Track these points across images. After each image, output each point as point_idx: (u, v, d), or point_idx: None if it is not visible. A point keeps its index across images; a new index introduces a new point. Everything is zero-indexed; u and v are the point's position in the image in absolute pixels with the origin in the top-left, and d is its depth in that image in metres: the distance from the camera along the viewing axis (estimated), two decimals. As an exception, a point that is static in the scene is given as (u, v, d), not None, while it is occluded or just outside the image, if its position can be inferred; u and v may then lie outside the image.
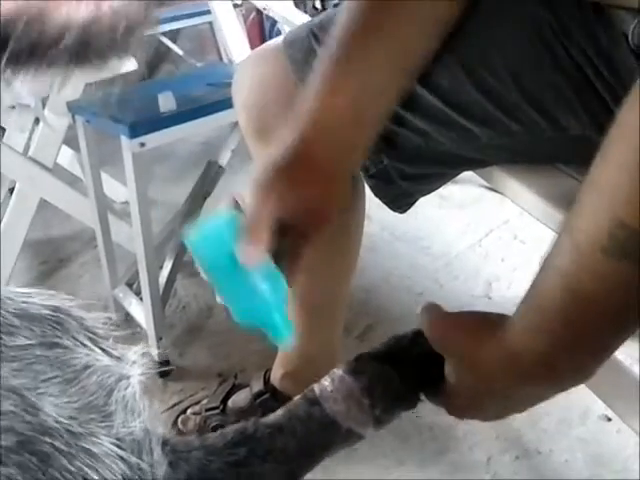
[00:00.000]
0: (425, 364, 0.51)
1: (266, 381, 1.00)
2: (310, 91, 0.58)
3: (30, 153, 1.35)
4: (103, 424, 0.31)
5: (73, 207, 1.36)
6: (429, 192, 0.77)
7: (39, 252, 1.52)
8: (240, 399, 1.02)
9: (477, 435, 1.02)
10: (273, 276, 0.51)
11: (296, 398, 0.51)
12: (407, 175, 0.72)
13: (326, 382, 0.50)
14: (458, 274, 1.36)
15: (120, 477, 0.30)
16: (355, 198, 0.89)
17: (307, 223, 0.57)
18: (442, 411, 1.04)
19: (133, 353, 0.36)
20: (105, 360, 0.34)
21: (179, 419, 1.03)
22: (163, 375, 1.15)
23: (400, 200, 0.75)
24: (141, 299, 1.18)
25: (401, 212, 0.76)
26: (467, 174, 0.80)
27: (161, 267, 1.25)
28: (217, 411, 1.02)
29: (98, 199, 1.23)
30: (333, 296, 0.94)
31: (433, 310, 0.52)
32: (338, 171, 0.58)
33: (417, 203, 0.77)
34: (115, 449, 0.30)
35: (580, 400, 1.06)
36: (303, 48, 0.70)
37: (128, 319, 1.26)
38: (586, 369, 0.46)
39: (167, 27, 2.00)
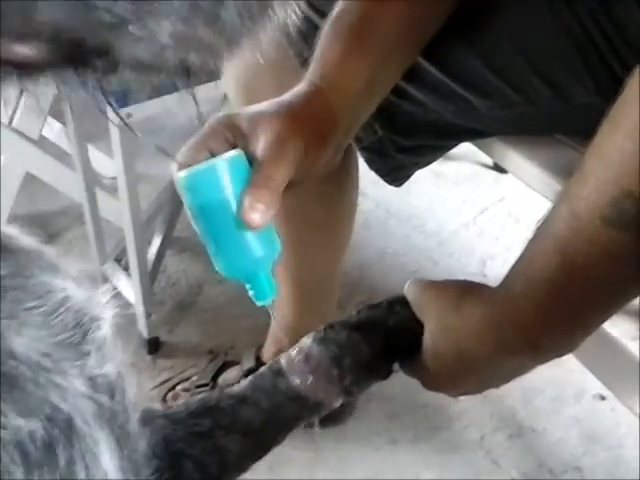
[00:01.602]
0: (400, 334, 0.50)
1: (257, 358, 0.98)
2: (324, 51, 0.54)
3: (14, 124, 1.31)
4: (77, 363, 0.30)
5: (60, 181, 1.33)
6: (425, 165, 0.74)
7: (26, 228, 1.49)
8: (231, 376, 1.00)
9: (471, 413, 1.01)
10: (268, 234, 0.48)
11: (262, 368, 0.49)
12: (402, 147, 0.69)
13: (293, 352, 0.49)
14: (453, 252, 1.35)
15: (90, 416, 0.29)
16: (348, 172, 0.87)
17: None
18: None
19: (102, 294, 0.34)
20: (80, 296, 0.32)
21: (168, 395, 1.01)
22: (152, 351, 1.13)
23: (395, 173, 0.73)
24: (130, 275, 1.16)
25: (397, 185, 0.74)
26: (462, 151, 0.78)
27: (150, 243, 1.22)
28: (207, 388, 1.00)
29: (85, 173, 1.20)
30: (326, 272, 0.92)
31: (419, 280, 0.51)
32: (340, 133, 0.54)
33: (411, 180, 0.75)
34: (86, 389, 0.29)
35: (575, 379, 1.05)
36: (299, 18, 0.67)
37: (117, 295, 1.24)
38: (569, 342, 0.45)
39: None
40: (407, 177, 0.74)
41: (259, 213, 0.45)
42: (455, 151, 0.76)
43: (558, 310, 0.43)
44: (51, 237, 1.47)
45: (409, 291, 0.51)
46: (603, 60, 0.56)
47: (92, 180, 1.23)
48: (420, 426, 0.99)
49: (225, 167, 0.46)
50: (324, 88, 0.52)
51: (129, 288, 1.17)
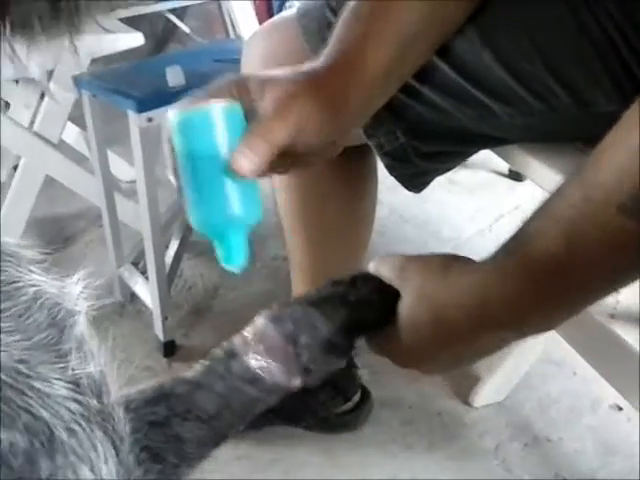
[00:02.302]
0: (361, 310, 0.47)
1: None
2: (344, 34, 0.54)
3: (35, 128, 1.33)
4: (57, 366, 0.28)
5: (79, 185, 1.35)
6: (445, 171, 0.75)
7: (44, 230, 1.51)
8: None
9: (486, 422, 1.01)
10: (251, 195, 0.46)
11: (215, 351, 0.46)
12: (423, 153, 0.70)
13: (247, 332, 0.46)
14: (468, 259, 1.34)
15: (79, 417, 0.28)
16: (367, 179, 0.88)
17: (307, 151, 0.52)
18: (450, 397, 1.04)
19: (74, 284, 0.31)
20: (53, 290, 0.29)
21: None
22: (168, 354, 1.14)
23: (415, 179, 0.73)
24: (147, 278, 1.17)
25: (416, 192, 0.75)
26: (477, 158, 0.78)
27: (167, 247, 1.23)
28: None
29: (104, 176, 1.22)
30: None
31: (397, 254, 0.49)
32: (348, 116, 0.53)
33: (427, 187, 0.75)
34: (70, 392, 0.27)
35: (591, 389, 1.05)
36: (317, 18, 0.68)
37: (133, 298, 1.25)
38: (554, 320, 0.44)
39: (174, 4, 1.97)
40: (426, 183, 0.74)
41: (248, 161, 0.44)
42: (470, 159, 0.76)
43: (552, 290, 0.42)
44: (68, 239, 1.49)
45: (382, 263, 0.49)
46: (625, 67, 0.56)
47: (111, 184, 1.24)
48: (435, 433, 0.99)
49: (219, 113, 0.44)
50: (341, 66, 0.52)
51: (146, 291, 1.18)
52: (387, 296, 0.48)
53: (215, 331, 1.19)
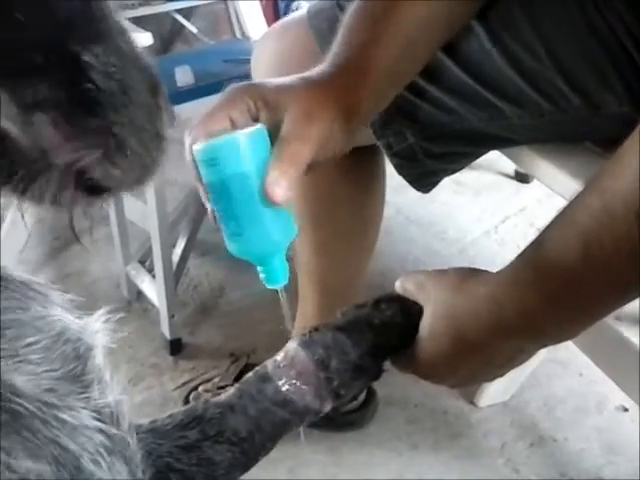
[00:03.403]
0: (387, 332, 0.48)
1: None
2: (348, 36, 0.54)
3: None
4: (82, 396, 0.29)
5: (86, 183, 1.35)
6: (453, 172, 0.75)
7: (52, 227, 1.52)
8: (253, 379, 1.01)
9: (491, 421, 1.01)
10: (285, 216, 0.46)
11: (248, 375, 0.48)
12: (432, 154, 0.70)
13: (279, 357, 0.47)
14: (473, 260, 1.35)
15: (102, 448, 0.29)
16: (376, 180, 0.88)
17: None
18: (455, 397, 1.04)
19: (95, 321, 0.33)
20: (75, 326, 0.32)
21: (190, 396, 1.02)
22: (174, 352, 1.14)
23: (423, 179, 0.73)
24: (153, 277, 1.17)
25: (424, 192, 0.75)
26: (483, 160, 0.78)
27: (174, 245, 1.24)
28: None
29: (112, 175, 1.22)
30: (349, 278, 0.93)
31: (418, 270, 0.51)
32: (359, 117, 0.54)
33: (435, 187, 0.76)
34: (94, 422, 0.29)
35: (597, 389, 1.05)
36: (328, 18, 0.68)
37: (140, 297, 1.25)
38: (572, 331, 0.45)
39: (181, 4, 1.97)
40: (435, 183, 0.75)
41: (283, 188, 0.44)
42: (477, 160, 0.76)
43: (569, 300, 0.42)
44: (75, 238, 1.49)
45: (407, 281, 0.50)
46: (635, 69, 0.56)
47: (119, 182, 1.25)
48: (441, 432, 0.99)
49: (246, 141, 0.44)
50: (350, 70, 0.52)
51: (152, 290, 1.18)
52: (411, 316, 0.49)
53: (221, 329, 1.20)
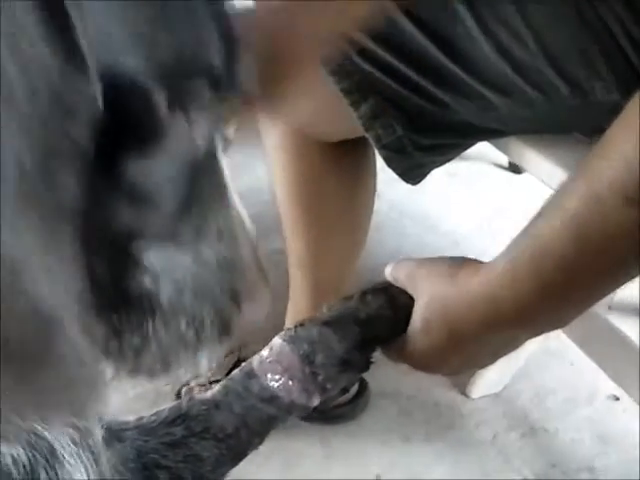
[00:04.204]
0: (373, 325, 0.48)
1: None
2: None
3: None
4: None
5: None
6: (442, 163, 0.75)
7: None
8: (245, 372, 1.01)
9: (483, 413, 1.01)
10: None
11: (234, 372, 0.47)
12: (421, 146, 0.70)
13: (265, 352, 0.47)
14: (467, 252, 1.33)
15: (70, 438, 0.30)
16: (366, 173, 0.88)
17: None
18: (447, 388, 1.04)
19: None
20: None
21: (182, 390, 1.02)
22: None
23: (413, 171, 0.73)
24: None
25: (413, 184, 0.75)
26: (476, 151, 0.78)
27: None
28: (222, 384, 1.01)
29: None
30: (341, 272, 0.93)
31: (409, 259, 0.51)
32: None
33: (425, 180, 0.76)
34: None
35: (588, 379, 1.05)
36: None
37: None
38: (564, 318, 0.45)
39: None
40: (424, 175, 0.75)
41: None
42: (469, 151, 0.76)
43: (561, 287, 0.42)
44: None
45: (397, 270, 0.50)
46: (624, 56, 0.56)
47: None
48: (432, 424, 1.00)
49: None
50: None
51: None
52: (398, 307, 0.49)
53: (214, 324, 1.20)
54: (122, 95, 0.24)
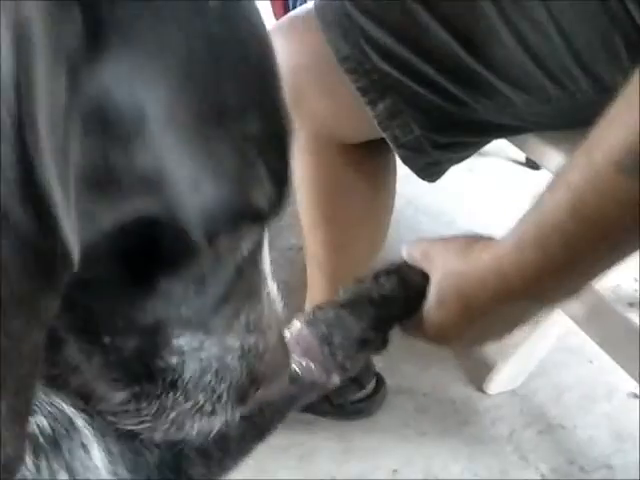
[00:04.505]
0: (387, 304, 0.50)
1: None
2: None
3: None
4: None
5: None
6: (459, 161, 0.75)
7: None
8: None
9: (500, 409, 1.01)
10: None
11: None
12: (439, 144, 0.70)
13: (285, 335, 0.49)
14: (483, 248, 1.34)
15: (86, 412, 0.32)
16: (386, 173, 0.88)
17: None
18: (464, 385, 1.04)
19: None
20: None
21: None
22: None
23: (430, 169, 0.73)
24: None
25: (430, 181, 0.75)
26: (494, 147, 0.78)
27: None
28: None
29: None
30: (359, 272, 0.93)
31: (423, 238, 0.52)
32: None
33: (442, 176, 0.76)
34: None
35: (606, 376, 1.04)
36: (335, 10, 0.68)
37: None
38: (572, 289, 0.45)
39: None
40: (441, 172, 0.75)
41: None
42: (486, 147, 0.76)
43: (565, 260, 0.42)
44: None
45: (413, 249, 0.52)
46: None
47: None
48: (449, 420, 1.00)
49: None
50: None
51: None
52: (411, 286, 0.50)
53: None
54: (176, 242, 0.25)
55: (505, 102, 0.64)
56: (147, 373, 0.30)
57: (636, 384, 0.91)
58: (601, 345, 0.91)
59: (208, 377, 0.31)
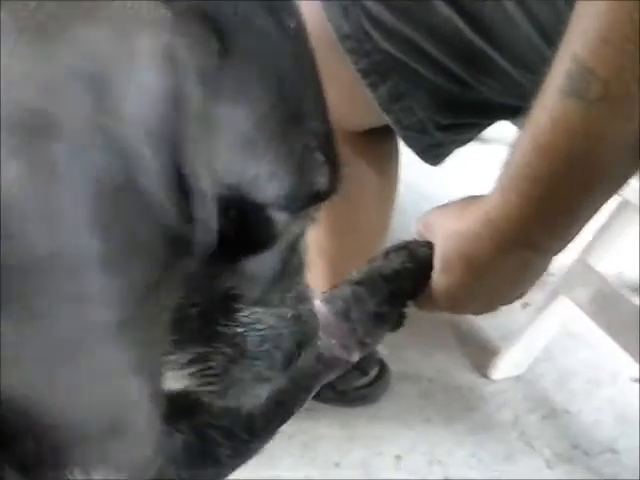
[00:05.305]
0: (399, 279, 0.51)
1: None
2: None
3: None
4: None
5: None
6: (462, 143, 0.74)
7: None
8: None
9: (504, 395, 1.01)
10: None
11: None
12: (442, 125, 0.69)
13: None
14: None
15: None
16: (389, 162, 0.87)
17: None
18: (468, 371, 1.04)
19: None
20: None
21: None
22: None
23: (433, 151, 0.72)
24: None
25: (433, 164, 0.74)
26: (497, 133, 0.77)
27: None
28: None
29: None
30: (361, 259, 0.92)
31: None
32: None
33: (445, 162, 0.75)
34: None
35: (610, 361, 1.04)
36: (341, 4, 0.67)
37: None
38: (562, 234, 0.45)
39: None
40: (444, 156, 0.74)
41: None
42: (490, 134, 0.75)
43: (541, 198, 0.42)
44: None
45: (418, 224, 0.53)
46: None
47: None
48: (453, 406, 1.00)
49: None
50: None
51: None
52: (421, 259, 0.52)
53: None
54: (247, 216, 0.28)
55: (510, 82, 0.62)
56: (209, 336, 0.32)
57: (639, 368, 0.91)
58: (605, 330, 0.91)
59: (266, 345, 0.34)
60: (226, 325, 0.33)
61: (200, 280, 0.29)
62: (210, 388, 0.35)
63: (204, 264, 0.27)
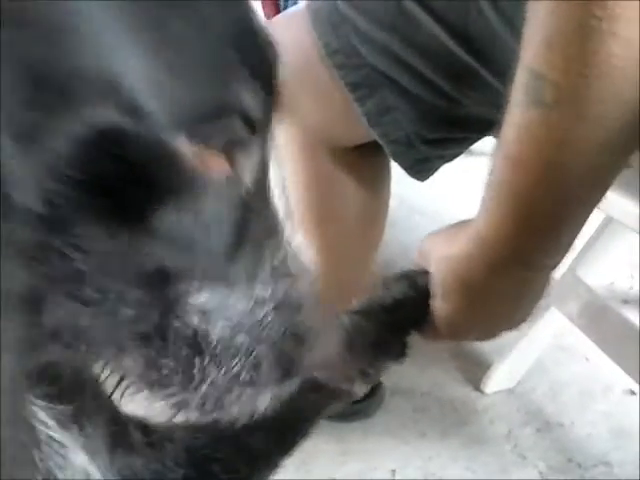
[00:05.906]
0: (399, 309, 0.50)
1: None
2: None
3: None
4: None
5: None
6: (450, 159, 0.75)
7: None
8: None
9: (498, 408, 1.01)
10: None
11: None
12: (428, 140, 0.70)
13: None
14: (478, 248, 1.34)
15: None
16: (380, 177, 0.87)
17: None
18: (461, 385, 1.04)
19: None
20: None
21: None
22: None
23: (419, 165, 0.73)
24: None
25: (420, 179, 0.75)
26: (488, 146, 0.78)
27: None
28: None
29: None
30: (354, 275, 0.93)
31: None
32: None
33: (436, 176, 0.75)
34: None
35: (603, 374, 1.05)
36: (326, 5, 0.68)
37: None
38: (552, 248, 0.45)
39: None
40: (431, 171, 0.74)
41: None
42: (481, 147, 0.76)
43: (521, 212, 0.42)
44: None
45: (416, 253, 0.53)
46: None
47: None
48: (447, 420, 1.00)
49: None
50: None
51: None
52: (422, 288, 0.51)
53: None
54: (151, 156, 0.22)
55: (496, 96, 0.63)
56: (159, 334, 0.26)
57: (632, 381, 0.91)
58: (597, 343, 0.91)
59: (240, 338, 0.27)
60: (177, 316, 0.25)
61: (105, 257, 0.23)
62: (177, 400, 0.28)
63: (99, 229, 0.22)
